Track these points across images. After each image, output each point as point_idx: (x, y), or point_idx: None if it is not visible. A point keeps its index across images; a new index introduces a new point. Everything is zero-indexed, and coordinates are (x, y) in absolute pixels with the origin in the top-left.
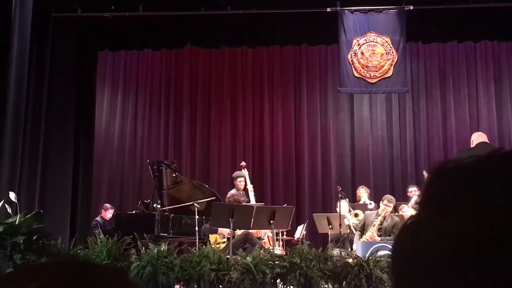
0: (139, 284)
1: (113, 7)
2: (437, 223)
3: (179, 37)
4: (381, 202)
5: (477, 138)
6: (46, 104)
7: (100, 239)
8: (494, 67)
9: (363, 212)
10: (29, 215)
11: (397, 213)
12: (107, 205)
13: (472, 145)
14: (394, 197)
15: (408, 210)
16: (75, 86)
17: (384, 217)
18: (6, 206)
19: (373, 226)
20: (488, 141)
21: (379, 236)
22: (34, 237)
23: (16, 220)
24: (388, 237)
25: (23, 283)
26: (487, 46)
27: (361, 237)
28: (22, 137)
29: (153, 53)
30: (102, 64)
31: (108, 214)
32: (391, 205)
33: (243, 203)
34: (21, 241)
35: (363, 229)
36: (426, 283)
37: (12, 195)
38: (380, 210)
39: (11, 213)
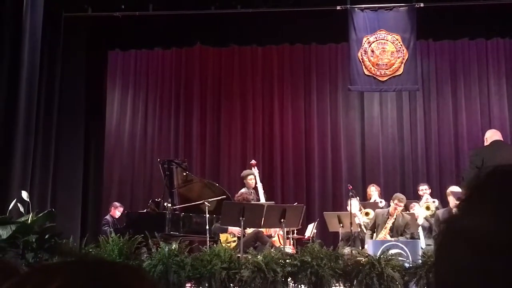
0: (158, 284)
1: (123, 7)
2: (492, 229)
3: (189, 36)
4: (391, 201)
5: (492, 136)
6: (57, 104)
7: (112, 237)
8: (506, 65)
9: (374, 211)
10: (41, 214)
11: (407, 212)
12: (117, 203)
13: (486, 143)
14: (405, 195)
15: (418, 209)
16: (86, 86)
17: (395, 217)
18: (19, 205)
19: (385, 228)
20: (502, 139)
21: (391, 236)
22: (46, 236)
23: (28, 219)
24: (400, 237)
25: (41, 283)
26: (498, 44)
27: (372, 237)
28: (34, 136)
29: (163, 52)
30: (112, 64)
31: (118, 212)
32: (402, 204)
33: (252, 202)
34: (34, 240)
35: (373, 228)
36: None
37: (25, 194)
38: (390, 210)
39: (23, 212)
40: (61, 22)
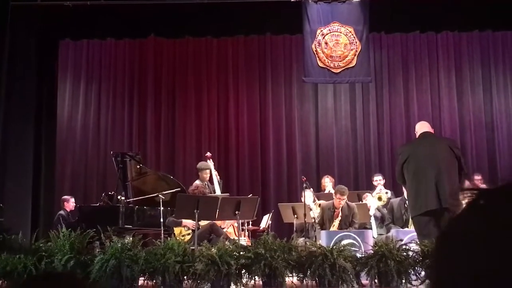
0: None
1: None
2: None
3: (142, 27)
4: (333, 195)
5: (421, 127)
6: (5, 95)
7: (63, 232)
8: (455, 57)
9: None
10: None
11: (360, 202)
12: (66, 196)
13: (417, 136)
14: (358, 185)
15: (371, 199)
16: (36, 76)
17: (341, 210)
18: None
19: (333, 226)
20: (431, 130)
21: (339, 229)
22: None
23: None
24: (350, 228)
25: None
26: (448, 37)
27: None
28: None
29: (116, 42)
30: (63, 54)
31: (71, 204)
32: (344, 197)
33: (208, 195)
34: None
35: (322, 223)
36: None
37: None
38: (335, 203)
39: None
40: (8, 11)
